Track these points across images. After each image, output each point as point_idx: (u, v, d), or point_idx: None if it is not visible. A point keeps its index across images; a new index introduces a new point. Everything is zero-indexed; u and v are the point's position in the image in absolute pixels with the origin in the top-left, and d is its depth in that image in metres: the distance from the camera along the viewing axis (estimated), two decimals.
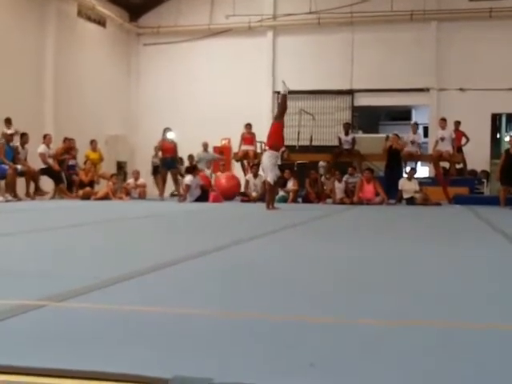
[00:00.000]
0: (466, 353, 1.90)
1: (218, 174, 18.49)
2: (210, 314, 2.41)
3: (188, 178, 16.30)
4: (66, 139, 17.59)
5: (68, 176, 17.29)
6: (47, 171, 16.60)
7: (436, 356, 1.84)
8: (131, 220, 9.01)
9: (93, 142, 18.24)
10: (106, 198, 16.48)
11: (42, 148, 16.67)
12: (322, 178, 17.45)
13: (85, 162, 17.72)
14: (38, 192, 16.13)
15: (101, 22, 22.43)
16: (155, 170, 18.66)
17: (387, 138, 16.98)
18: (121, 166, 23.00)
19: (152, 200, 16.83)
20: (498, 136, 25.16)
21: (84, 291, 2.77)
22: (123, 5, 23.56)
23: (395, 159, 16.59)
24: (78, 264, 3.85)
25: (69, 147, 17.53)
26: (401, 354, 1.87)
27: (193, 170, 16.34)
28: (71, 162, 17.54)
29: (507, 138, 25.20)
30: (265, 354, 1.84)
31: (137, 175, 18.27)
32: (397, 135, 17.06)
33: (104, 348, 1.89)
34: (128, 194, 17.63)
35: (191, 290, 3.01)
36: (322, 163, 17.25)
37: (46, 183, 16.87)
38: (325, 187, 16.92)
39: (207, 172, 18.44)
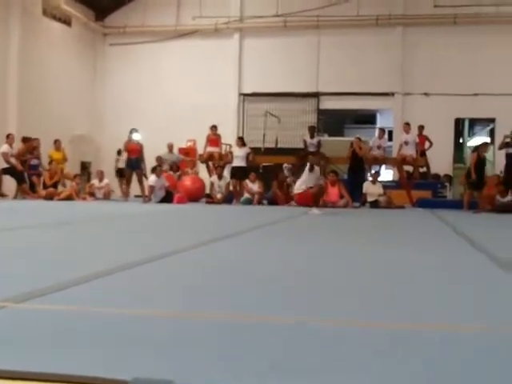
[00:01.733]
0: (416, 354, 1.92)
1: (186, 176, 18.38)
2: (170, 315, 2.40)
3: (152, 179, 16.23)
4: (24, 139, 17.34)
5: (30, 176, 17.11)
6: (10, 171, 16.43)
7: (386, 358, 1.86)
8: (93, 221, 8.94)
9: (56, 142, 18.05)
10: (69, 198, 16.34)
11: (4, 148, 16.48)
12: (288, 180, 17.49)
13: (50, 163, 17.53)
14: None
15: (66, 21, 22.23)
16: (120, 172, 18.57)
17: (352, 144, 17.08)
18: (85, 167, 22.82)
19: (116, 201, 16.72)
20: (461, 141, 25.49)
21: (43, 292, 2.74)
22: (89, 4, 23.39)
23: (358, 163, 16.72)
24: (38, 265, 3.79)
25: (31, 147, 17.33)
26: (351, 356, 1.88)
27: (154, 169, 16.27)
28: (33, 162, 17.33)
29: (472, 143, 25.56)
30: (225, 356, 1.83)
31: (101, 176, 18.13)
32: (359, 139, 17.21)
33: (63, 349, 1.86)
34: (92, 194, 17.49)
35: (152, 291, 2.99)
36: (286, 165, 17.30)
37: (7, 183, 16.69)
38: (290, 190, 16.96)
39: (176, 175, 18.35)
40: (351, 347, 1.98)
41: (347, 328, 2.26)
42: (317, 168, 13.68)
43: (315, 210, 11.89)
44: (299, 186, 13.56)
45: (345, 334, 2.18)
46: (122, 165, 18.14)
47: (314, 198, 13.19)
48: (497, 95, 20.91)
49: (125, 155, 17.51)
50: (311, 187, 13.25)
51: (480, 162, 15.27)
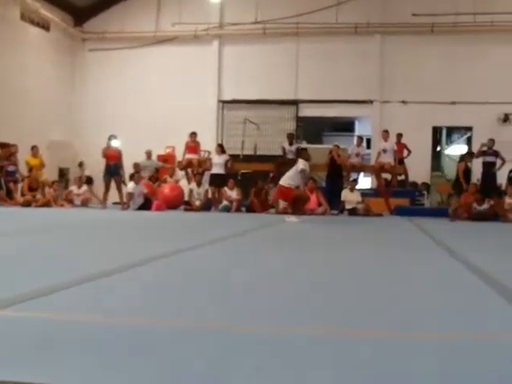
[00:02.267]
0: (399, 363, 1.92)
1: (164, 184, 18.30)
2: (137, 322, 2.38)
3: (130, 186, 16.17)
4: (1, 145, 17.19)
5: (6, 182, 16.95)
6: None
7: (369, 367, 1.86)
8: (70, 228, 8.87)
9: (34, 148, 17.89)
10: (47, 205, 16.22)
11: None
12: (266, 188, 17.50)
13: (30, 170, 17.37)
14: None
15: (45, 25, 22.09)
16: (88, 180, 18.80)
17: (330, 152, 17.14)
18: (63, 173, 22.67)
19: (94, 208, 16.63)
20: (439, 149, 25.68)
21: (19, 300, 2.73)
22: (68, 9, 23.28)
23: (336, 170, 16.77)
24: (14, 272, 3.76)
25: (9, 153, 17.18)
26: (334, 365, 1.88)
27: (133, 176, 16.21)
28: (10, 168, 17.18)
29: (449, 151, 25.77)
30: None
31: (79, 182, 18.02)
32: (337, 146, 17.26)
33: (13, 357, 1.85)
34: (70, 201, 17.37)
35: (121, 300, 2.97)
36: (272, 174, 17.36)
37: None
38: (268, 197, 16.97)
39: (155, 185, 18.30)
40: (328, 357, 1.97)
41: (323, 337, 2.25)
42: (306, 168, 13.27)
43: (293, 218, 11.89)
44: (284, 181, 13.10)
45: (320, 343, 2.17)
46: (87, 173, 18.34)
47: (293, 204, 13.19)
48: (474, 104, 21.09)
49: (103, 162, 17.39)
50: (297, 187, 13.08)
51: (467, 171, 15.80)
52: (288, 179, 13.05)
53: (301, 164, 13.10)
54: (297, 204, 13.20)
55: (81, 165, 19.81)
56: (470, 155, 16.76)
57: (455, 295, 3.40)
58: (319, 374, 1.82)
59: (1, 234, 7.12)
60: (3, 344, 2.04)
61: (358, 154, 17.61)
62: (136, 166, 17.45)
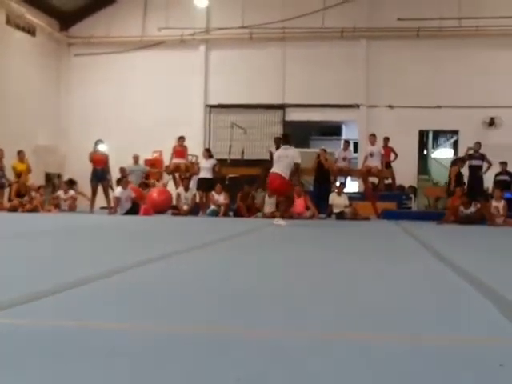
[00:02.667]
0: (387, 365, 1.93)
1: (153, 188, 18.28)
2: (124, 327, 2.38)
3: (117, 191, 16.14)
4: None
5: None
6: None
7: (353, 370, 1.86)
8: (55, 233, 8.83)
9: (20, 153, 17.80)
10: (34, 210, 16.14)
11: None
12: (253, 192, 17.51)
13: (19, 176, 17.27)
14: None
15: (30, 30, 22.03)
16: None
17: (318, 156, 17.17)
18: (50, 178, 22.58)
19: (82, 212, 16.57)
20: (425, 152, 25.80)
21: (5, 306, 2.72)
22: (54, 14, 23.21)
23: (324, 174, 16.81)
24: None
25: None
26: (326, 369, 1.88)
27: (120, 181, 16.17)
28: None
29: (436, 154, 25.90)
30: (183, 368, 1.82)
31: (66, 188, 17.95)
32: (324, 150, 17.29)
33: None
34: (57, 206, 17.31)
35: (109, 305, 2.96)
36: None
37: None
38: (255, 201, 16.98)
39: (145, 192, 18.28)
40: (311, 360, 1.98)
41: (307, 340, 2.26)
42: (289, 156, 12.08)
43: (281, 221, 11.86)
44: (282, 170, 11.94)
45: (305, 346, 2.18)
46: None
47: (280, 207, 13.19)
48: (460, 107, 21.22)
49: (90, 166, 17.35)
50: (279, 175, 11.98)
51: (459, 175, 16.33)
52: (285, 169, 12.00)
53: (297, 156, 12.18)
54: (286, 203, 13.07)
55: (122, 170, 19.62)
56: (462, 160, 16.92)
57: (439, 297, 3.41)
58: (308, 378, 1.83)
59: None
60: None
61: (344, 158, 17.67)
62: (122, 170, 17.41)
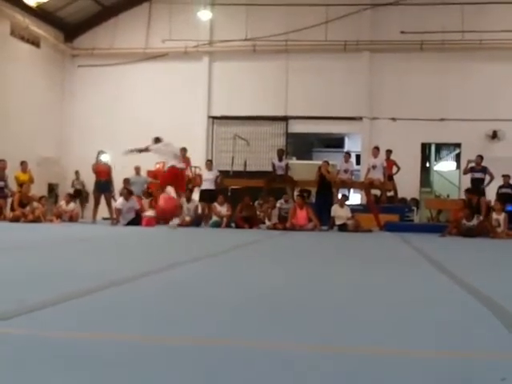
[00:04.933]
0: (386, 379, 1.92)
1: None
2: (129, 338, 2.38)
3: (119, 202, 16.13)
4: None
5: None
6: None
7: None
8: (59, 244, 8.83)
9: (23, 164, 17.83)
10: (36, 220, 16.14)
11: None
12: (256, 203, 17.52)
13: (21, 185, 17.28)
14: None
15: (34, 42, 22.11)
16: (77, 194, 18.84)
17: (319, 169, 17.14)
18: (52, 189, 22.59)
19: (84, 223, 16.56)
20: (428, 165, 25.79)
21: (7, 316, 2.70)
22: (58, 25, 23.29)
23: (326, 186, 16.78)
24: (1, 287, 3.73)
25: None
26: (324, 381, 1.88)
27: (127, 193, 16.15)
28: None
29: (438, 167, 25.88)
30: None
31: (68, 199, 17.96)
32: (327, 162, 17.27)
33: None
34: (59, 216, 17.30)
35: (109, 316, 2.96)
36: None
37: None
38: (258, 212, 16.98)
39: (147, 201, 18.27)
40: (310, 373, 1.97)
41: (302, 353, 2.25)
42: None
43: (175, 221, 13.77)
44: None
45: (304, 359, 2.17)
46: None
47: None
48: (463, 120, 21.22)
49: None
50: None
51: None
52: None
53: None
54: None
55: (77, 173, 20.15)
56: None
57: (441, 310, 3.40)
58: None
59: None
60: None
61: (346, 170, 17.65)
62: (126, 181, 17.38)
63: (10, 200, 17.51)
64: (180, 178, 14.84)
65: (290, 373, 1.98)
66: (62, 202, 18.10)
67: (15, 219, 16.09)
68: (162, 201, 17.63)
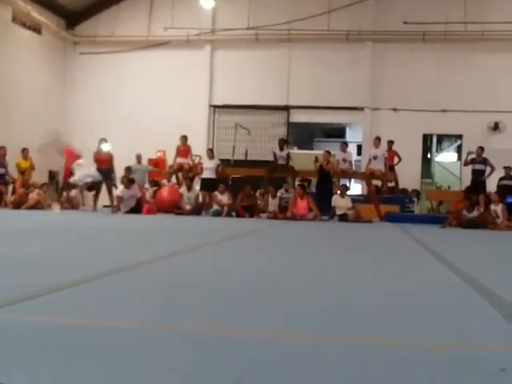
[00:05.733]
0: (386, 370, 1.93)
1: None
2: (135, 326, 2.39)
3: (120, 190, 16.15)
4: None
5: None
6: None
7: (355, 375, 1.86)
8: (57, 231, 8.85)
9: (24, 151, 17.84)
10: (36, 206, 16.15)
11: None
12: (258, 193, 17.54)
13: (22, 173, 17.31)
14: None
15: (36, 28, 22.05)
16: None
17: (316, 159, 17.11)
18: (53, 176, 22.59)
19: (85, 211, 16.58)
20: (429, 156, 25.77)
21: (11, 302, 2.71)
22: (60, 12, 23.23)
23: (326, 176, 16.76)
24: (4, 274, 3.73)
25: None
26: (332, 372, 1.88)
27: (127, 181, 16.17)
28: (0, 171, 17.11)
29: (439, 158, 25.88)
30: (189, 370, 1.82)
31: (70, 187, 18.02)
32: (328, 152, 17.24)
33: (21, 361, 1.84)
34: (61, 204, 17.34)
35: (117, 303, 2.96)
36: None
37: None
38: (259, 202, 16.99)
39: (152, 189, 18.30)
40: (315, 364, 1.98)
41: (308, 343, 2.26)
42: None
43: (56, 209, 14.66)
44: None
45: (306, 349, 2.17)
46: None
47: None
48: (464, 112, 21.20)
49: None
50: None
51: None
52: None
53: None
54: None
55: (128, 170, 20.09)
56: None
57: (441, 301, 3.40)
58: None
59: None
60: None
61: (345, 160, 17.60)
62: (127, 169, 17.33)
63: (10, 187, 17.55)
64: None
65: (288, 363, 1.99)
66: (65, 192, 18.16)
67: (18, 202, 16.04)
68: (165, 192, 17.69)
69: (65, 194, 18.23)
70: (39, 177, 19.12)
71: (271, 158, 18.02)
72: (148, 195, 17.31)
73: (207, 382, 1.75)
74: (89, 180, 16.56)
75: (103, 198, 17.27)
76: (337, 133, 27.85)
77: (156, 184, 18.30)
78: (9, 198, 16.95)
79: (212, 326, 2.48)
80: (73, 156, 19.14)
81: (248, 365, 1.93)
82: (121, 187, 16.20)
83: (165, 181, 18.78)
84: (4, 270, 3.98)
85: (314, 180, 17.97)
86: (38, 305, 2.80)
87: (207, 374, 1.82)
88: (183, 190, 17.03)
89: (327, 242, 9.00)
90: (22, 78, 21.13)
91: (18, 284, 3.35)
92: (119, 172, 17.14)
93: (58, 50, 23.65)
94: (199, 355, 2.02)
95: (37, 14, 21.47)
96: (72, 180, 16.91)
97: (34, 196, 16.47)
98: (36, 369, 1.80)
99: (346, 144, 18.56)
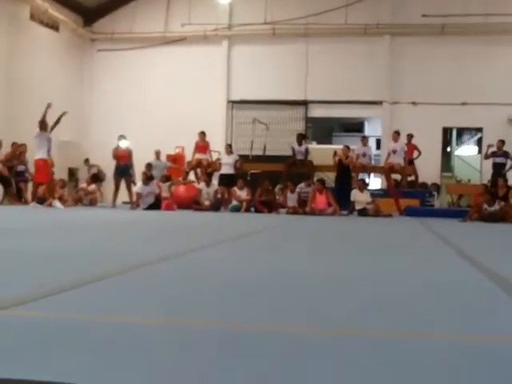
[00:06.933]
0: (407, 363, 1.90)
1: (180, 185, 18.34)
2: (156, 322, 2.38)
3: (138, 186, 16.21)
4: (14, 144, 17.35)
5: (16, 182, 17.04)
6: None
7: (375, 368, 1.84)
8: (79, 227, 8.89)
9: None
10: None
11: None
12: (277, 188, 17.51)
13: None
14: None
15: (54, 26, 22.17)
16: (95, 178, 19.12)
17: (335, 153, 17.07)
18: (72, 173, 22.72)
19: (104, 207, 16.65)
20: (449, 149, 25.62)
21: (29, 299, 2.71)
22: (77, 9, 23.34)
23: (345, 171, 16.71)
24: (24, 271, 3.73)
25: (18, 152, 17.27)
26: (343, 364, 1.86)
27: (146, 178, 16.21)
28: (20, 168, 17.25)
29: (459, 152, 25.72)
30: (213, 364, 1.81)
31: (89, 181, 18.14)
32: (347, 147, 17.19)
33: (43, 357, 1.84)
34: (79, 200, 17.43)
35: (137, 299, 2.96)
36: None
37: None
38: (277, 197, 16.97)
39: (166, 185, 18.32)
40: (336, 357, 1.96)
41: (333, 337, 2.24)
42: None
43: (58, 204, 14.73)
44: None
45: (329, 343, 2.15)
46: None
47: None
48: (484, 105, 21.03)
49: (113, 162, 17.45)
50: None
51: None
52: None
53: None
54: None
55: (87, 161, 20.66)
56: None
57: (463, 295, 3.38)
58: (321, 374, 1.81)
59: (14, 230, 7.14)
60: (9, 342, 2.03)
61: (364, 154, 17.55)
62: (148, 166, 17.28)
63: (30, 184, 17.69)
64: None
65: (307, 356, 1.97)
66: (84, 184, 18.22)
67: (42, 197, 16.02)
68: (182, 188, 17.72)
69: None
70: (59, 174, 19.21)
71: (290, 153, 17.98)
72: (163, 191, 17.32)
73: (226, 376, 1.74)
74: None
75: (122, 194, 17.31)
76: (355, 127, 27.77)
77: (168, 179, 18.23)
78: (28, 196, 17.04)
79: (240, 321, 2.46)
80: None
81: (276, 360, 1.91)
82: (139, 184, 16.26)
83: (180, 179, 18.73)
84: (23, 265, 3.99)
85: (332, 175, 17.90)
86: (56, 301, 2.79)
87: (226, 369, 1.80)
88: (202, 185, 17.03)
89: (349, 236, 8.98)
90: (40, 76, 21.24)
91: (50, 278, 3.36)
92: (139, 168, 17.17)
93: (76, 47, 23.76)
94: (216, 350, 2.00)
95: (54, 12, 21.58)
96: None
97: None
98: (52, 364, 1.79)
99: (365, 138, 18.48)
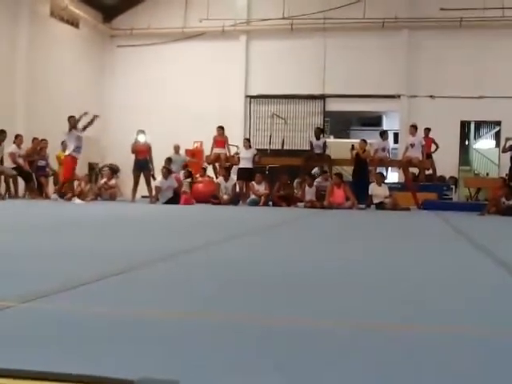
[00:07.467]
0: (426, 356, 1.99)
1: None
2: (176, 315, 2.46)
3: (158, 180, 16.33)
4: (34, 140, 17.54)
5: (37, 177, 17.24)
6: (17, 171, 16.56)
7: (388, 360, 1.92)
8: (100, 222, 9.00)
9: (64, 143, 18.08)
10: (78, 196, 16.36)
11: (12, 148, 16.62)
12: (295, 182, 17.57)
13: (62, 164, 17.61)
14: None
15: (74, 22, 22.31)
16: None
17: (352, 147, 17.10)
18: (92, 168, 22.88)
19: (123, 201, 16.76)
20: (467, 143, 25.51)
21: (50, 292, 2.71)
22: (97, 6, 23.46)
23: (362, 165, 16.74)
24: (45, 265, 3.75)
25: (38, 147, 17.45)
26: (372, 358, 1.95)
27: (165, 172, 16.34)
28: (41, 163, 17.43)
29: (477, 145, 25.60)
30: (231, 356, 1.87)
31: (109, 175, 18.25)
32: (364, 141, 17.20)
33: (68, 350, 1.87)
34: (99, 194, 17.57)
35: (157, 292, 3.06)
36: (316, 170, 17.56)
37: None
38: (296, 191, 17.03)
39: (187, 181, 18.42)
40: (349, 349, 2.05)
41: (348, 330, 2.31)
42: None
43: (78, 201, 14.65)
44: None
45: (343, 336, 2.24)
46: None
47: None
48: (503, 98, 20.92)
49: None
50: None
51: None
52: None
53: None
54: None
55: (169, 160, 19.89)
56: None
57: (483, 289, 3.42)
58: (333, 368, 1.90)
59: (37, 226, 7.25)
60: (33, 335, 2.05)
61: (384, 149, 17.56)
62: (169, 160, 17.35)
63: (51, 178, 17.88)
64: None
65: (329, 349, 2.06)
66: (104, 179, 18.34)
67: (62, 194, 16.17)
68: (201, 184, 17.83)
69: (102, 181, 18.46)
70: (79, 169, 19.36)
71: (308, 147, 18.03)
72: (184, 186, 17.42)
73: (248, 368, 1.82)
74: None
75: (141, 188, 17.43)
76: (373, 121, 27.69)
77: (189, 176, 18.29)
78: (49, 190, 17.23)
79: (250, 314, 2.54)
80: None
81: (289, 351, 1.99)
82: (159, 178, 16.38)
83: (198, 176, 18.77)
84: (56, 260, 4.08)
85: (350, 168, 17.93)
86: (77, 295, 2.87)
87: (248, 361, 1.89)
88: (220, 180, 17.13)
89: (369, 229, 8.98)
90: (61, 72, 21.41)
91: (56, 274, 3.45)
92: (158, 163, 17.29)
93: (96, 44, 23.91)
94: (240, 342, 2.09)
95: (74, 8, 21.73)
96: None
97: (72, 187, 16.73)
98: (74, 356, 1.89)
99: (385, 132, 18.48)
